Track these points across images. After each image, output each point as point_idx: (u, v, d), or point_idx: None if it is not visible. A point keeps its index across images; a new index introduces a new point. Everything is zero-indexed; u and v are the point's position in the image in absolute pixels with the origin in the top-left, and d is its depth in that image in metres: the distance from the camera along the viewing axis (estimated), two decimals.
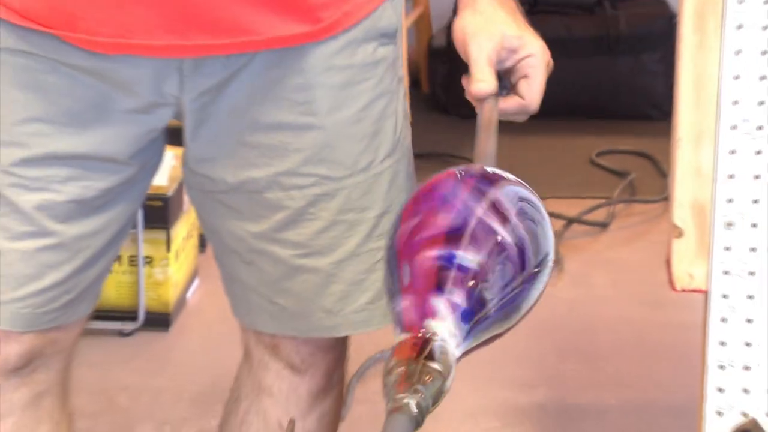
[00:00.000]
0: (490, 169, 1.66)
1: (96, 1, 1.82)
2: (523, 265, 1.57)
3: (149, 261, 3.45)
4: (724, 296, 2.08)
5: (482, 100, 1.86)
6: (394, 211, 1.99)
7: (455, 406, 2.98)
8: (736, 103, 2.03)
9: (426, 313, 1.47)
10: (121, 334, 3.45)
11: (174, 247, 3.48)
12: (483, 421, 3.11)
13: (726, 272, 2.08)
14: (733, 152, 2.05)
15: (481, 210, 1.57)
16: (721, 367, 2.10)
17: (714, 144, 2.06)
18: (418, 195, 1.61)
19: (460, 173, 1.63)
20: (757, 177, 2.05)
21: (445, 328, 1.46)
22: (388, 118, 2.00)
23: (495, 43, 1.87)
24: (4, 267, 1.93)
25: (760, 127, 2.04)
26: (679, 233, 2.11)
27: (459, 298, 1.50)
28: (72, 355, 2.09)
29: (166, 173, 3.39)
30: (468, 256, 1.53)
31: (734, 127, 2.04)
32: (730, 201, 2.06)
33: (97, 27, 1.85)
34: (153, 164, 2.01)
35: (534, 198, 1.63)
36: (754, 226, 2.06)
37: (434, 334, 1.44)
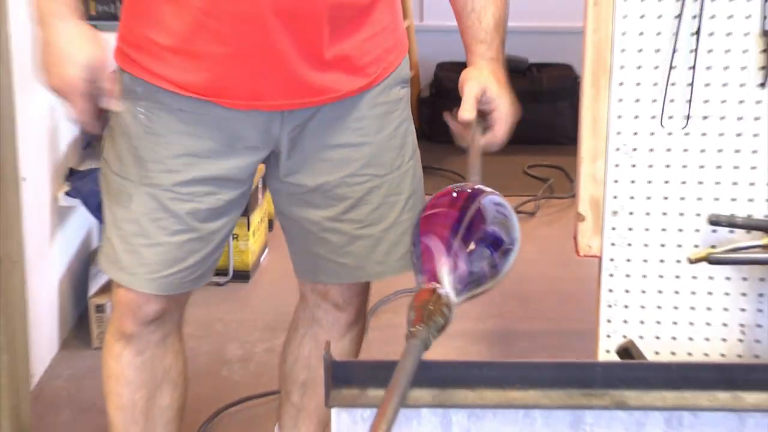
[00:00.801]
0: (476, 186, 1.66)
1: (239, 80, 1.83)
2: (499, 245, 1.58)
3: (236, 237, 3.44)
4: (611, 260, 2.08)
5: (467, 125, 1.87)
6: (416, 194, 2.02)
7: None
8: (619, 133, 2.03)
9: (437, 273, 1.47)
10: (217, 284, 3.44)
11: (252, 227, 3.47)
12: (452, 342, 3.09)
13: (612, 244, 2.08)
14: (617, 165, 2.04)
15: (472, 211, 1.58)
16: (609, 306, 2.10)
17: (604, 160, 2.06)
18: (431, 202, 1.62)
19: (456, 189, 1.65)
20: (632, 182, 2.05)
21: (448, 284, 1.46)
22: (409, 135, 2.02)
23: (480, 88, 1.89)
24: (164, 253, 1.94)
25: (634, 149, 2.03)
26: (582, 219, 2.11)
27: (459, 264, 1.50)
28: (186, 307, 2.09)
29: None
30: (465, 239, 1.54)
31: (618, 149, 2.03)
32: (615, 197, 2.06)
33: (238, 94, 1.85)
34: (253, 180, 2.02)
35: (504, 202, 1.65)
36: (631, 213, 2.06)
37: (441, 287, 1.44)
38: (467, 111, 1.86)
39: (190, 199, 1.92)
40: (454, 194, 1.63)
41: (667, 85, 1.99)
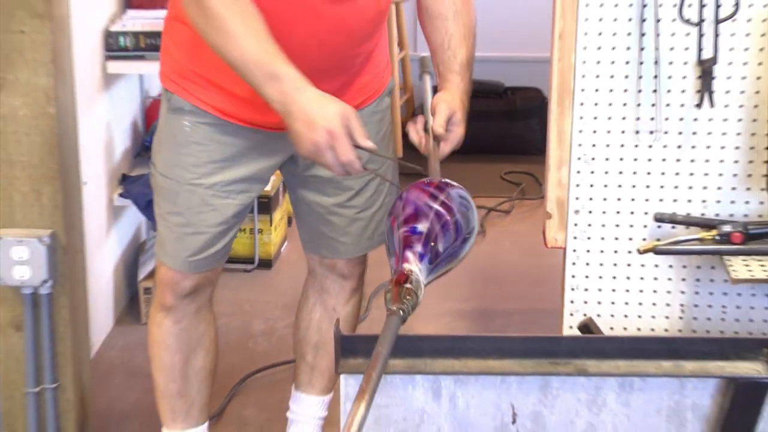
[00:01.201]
0: (443, 180, 1.66)
1: (271, 114, 1.74)
2: (459, 232, 1.57)
3: (261, 231, 3.44)
4: (574, 250, 2.08)
5: (436, 139, 1.84)
6: (395, 182, 2.04)
7: (425, 311, 2.95)
8: (580, 145, 2.02)
9: (407, 260, 1.47)
10: (245, 271, 3.44)
11: (274, 223, 3.47)
12: (441, 319, 3.09)
13: (575, 237, 2.07)
14: (578, 172, 2.04)
15: (437, 203, 1.58)
16: (573, 289, 2.10)
17: (568, 168, 2.06)
18: (402, 194, 1.61)
19: (426, 182, 1.64)
20: (591, 186, 2.04)
21: (417, 268, 1.46)
22: (392, 134, 2.08)
23: (450, 111, 1.87)
24: (203, 241, 1.96)
25: (593, 158, 2.03)
26: (550, 216, 2.10)
27: (425, 252, 1.50)
28: (216, 284, 2.10)
29: (270, 182, 3.38)
30: (429, 228, 1.53)
31: (579, 158, 2.03)
32: (577, 198, 2.05)
33: (269, 124, 1.87)
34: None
35: (467, 195, 1.65)
36: (590, 212, 2.06)
37: (411, 272, 1.44)
38: (441, 127, 1.83)
39: (227, 195, 1.94)
40: (425, 187, 1.63)
41: (647, 101, 1.99)
